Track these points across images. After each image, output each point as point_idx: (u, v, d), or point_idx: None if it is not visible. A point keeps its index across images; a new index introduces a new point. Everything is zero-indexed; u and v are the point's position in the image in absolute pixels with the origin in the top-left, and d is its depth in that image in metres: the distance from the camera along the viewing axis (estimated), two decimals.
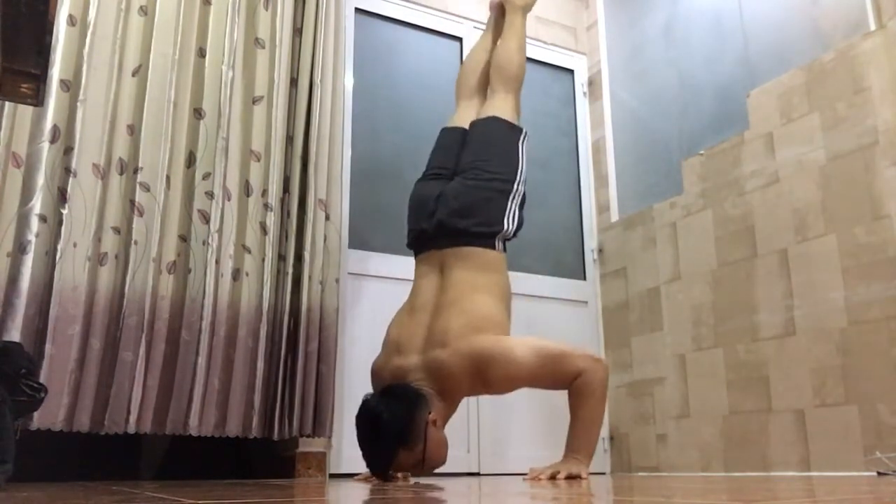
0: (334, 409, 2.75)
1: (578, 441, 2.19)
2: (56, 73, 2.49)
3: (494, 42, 2.90)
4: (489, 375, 2.19)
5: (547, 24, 3.94)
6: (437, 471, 2.26)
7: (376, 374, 2.42)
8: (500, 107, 2.68)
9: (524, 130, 2.67)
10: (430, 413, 2.15)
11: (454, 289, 2.34)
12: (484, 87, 2.85)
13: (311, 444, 2.78)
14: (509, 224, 2.45)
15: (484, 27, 3.12)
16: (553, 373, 2.19)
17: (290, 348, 2.74)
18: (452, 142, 2.69)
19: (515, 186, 2.52)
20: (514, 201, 2.50)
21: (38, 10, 1.07)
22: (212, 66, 2.80)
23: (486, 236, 2.42)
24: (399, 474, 2.42)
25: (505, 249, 2.47)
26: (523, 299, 3.27)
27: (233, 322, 2.66)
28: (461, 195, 2.46)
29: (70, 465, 2.77)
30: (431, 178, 2.63)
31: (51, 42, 1.19)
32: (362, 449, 2.17)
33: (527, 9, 2.90)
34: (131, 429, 2.40)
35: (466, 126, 2.71)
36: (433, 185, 2.58)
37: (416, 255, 2.55)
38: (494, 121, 2.64)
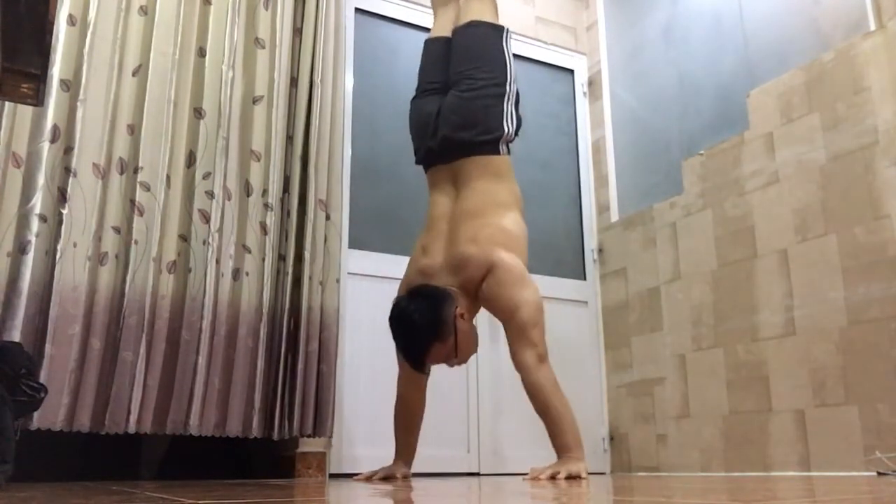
0: (335, 409, 2.75)
1: (562, 439, 2.22)
2: (56, 73, 2.49)
3: None
4: (493, 281, 2.31)
5: (547, 24, 3.94)
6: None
7: (406, 278, 2.51)
8: (478, 9, 2.69)
9: (506, 28, 2.68)
10: (456, 307, 2.28)
11: (472, 198, 2.44)
12: None
13: (311, 444, 2.78)
14: (509, 126, 2.53)
15: None
16: (519, 331, 2.27)
17: (291, 348, 2.74)
18: (438, 54, 2.72)
19: (508, 87, 2.57)
20: (510, 102, 2.56)
21: (38, 10, 1.07)
22: (212, 66, 2.81)
23: (491, 143, 2.50)
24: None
25: (509, 152, 2.55)
26: None
27: (233, 322, 2.66)
28: (459, 108, 2.53)
29: (70, 465, 2.77)
30: (426, 95, 2.68)
31: (51, 42, 1.19)
32: (398, 346, 2.31)
33: None
34: (131, 429, 2.40)
35: (449, 34, 2.73)
36: (429, 101, 2.64)
37: (426, 170, 2.63)
38: (476, 25, 2.66)
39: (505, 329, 2.34)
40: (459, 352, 2.30)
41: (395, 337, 2.30)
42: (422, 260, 2.46)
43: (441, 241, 2.45)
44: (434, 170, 2.58)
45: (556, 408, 2.23)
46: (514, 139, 2.56)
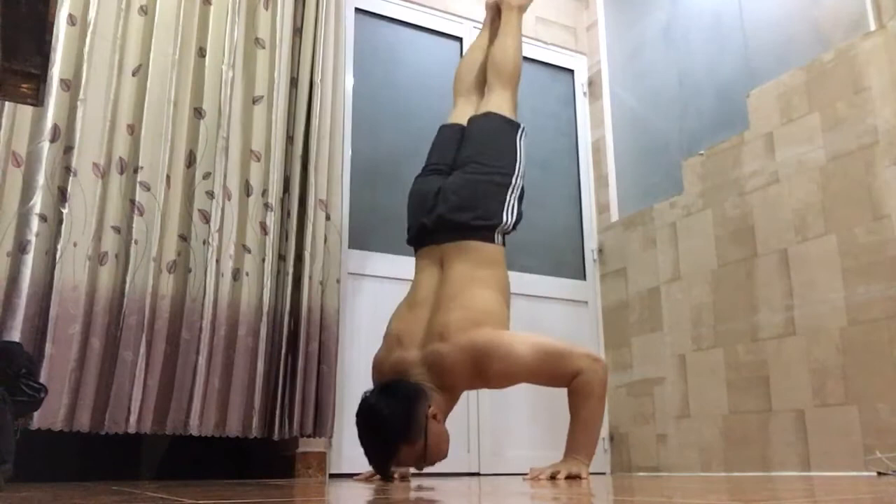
0: (335, 409, 2.75)
1: (578, 441, 2.19)
2: (56, 72, 2.49)
3: (491, 41, 2.91)
4: (488, 369, 2.19)
5: (547, 24, 3.93)
6: (437, 470, 2.26)
7: (377, 367, 2.42)
8: (497, 103, 2.70)
9: (522, 126, 2.68)
10: (430, 407, 2.14)
11: (454, 283, 2.35)
12: (481, 85, 2.86)
13: (311, 444, 2.78)
14: (508, 217, 2.47)
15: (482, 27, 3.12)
16: (552, 370, 2.19)
17: (291, 348, 2.74)
18: (451, 138, 2.71)
19: (514, 180, 2.54)
20: (513, 195, 2.51)
21: (38, 10, 1.07)
22: (212, 66, 2.80)
23: (486, 229, 2.43)
24: (397, 473, 2.42)
25: (504, 243, 2.49)
26: (523, 299, 3.27)
27: (233, 322, 2.66)
28: (460, 189, 2.48)
29: (70, 465, 2.77)
30: (430, 174, 2.65)
31: (51, 42, 1.19)
32: (364, 446, 2.16)
33: (523, 9, 2.92)
34: (131, 429, 2.40)
35: (464, 122, 2.73)
36: (432, 180, 2.60)
37: (415, 251, 2.57)
38: (492, 116, 2.66)
39: (541, 384, 2.30)
40: (429, 455, 2.14)
41: (360, 435, 2.15)
42: (395, 351, 2.33)
43: (419, 330, 2.31)
44: (423, 251, 2.51)
45: (594, 410, 2.18)
46: (510, 232, 2.50)
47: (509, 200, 2.48)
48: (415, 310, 2.38)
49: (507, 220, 2.46)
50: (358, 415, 2.17)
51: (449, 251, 2.42)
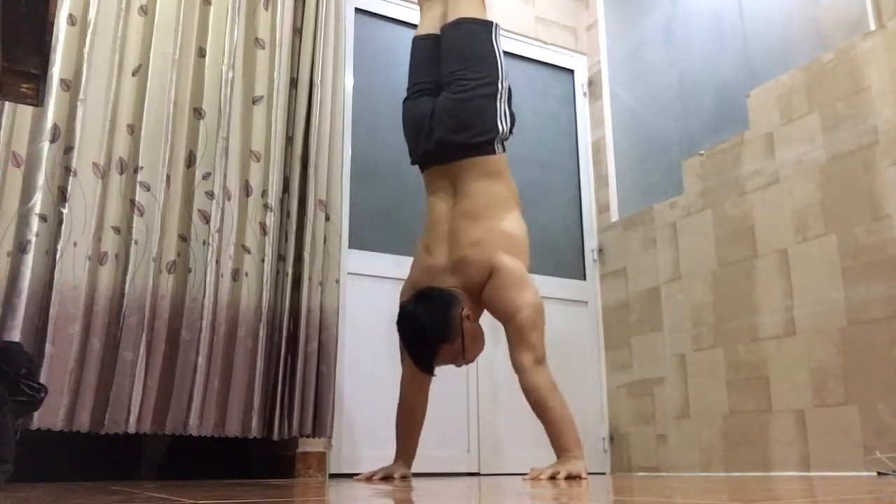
0: (334, 409, 2.75)
1: (560, 441, 2.24)
2: (56, 72, 2.49)
3: None
4: (494, 284, 2.34)
5: (547, 24, 3.93)
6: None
7: (410, 280, 2.54)
8: (465, 4, 2.69)
9: (494, 23, 2.67)
10: (462, 309, 2.31)
11: (471, 200, 2.46)
12: None
13: (311, 444, 2.78)
14: (503, 125, 2.54)
15: None
16: (518, 333, 2.30)
17: (290, 348, 2.74)
18: (428, 53, 2.72)
19: (500, 85, 2.57)
20: (502, 100, 2.57)
21: (38, 10, 1.07)
22: (212, 66, 2.80)
23: (486, 143, 2.51)
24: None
25: (504, 149, 2.56)
26: None
27: (232, 322, 2.66)
28: (452, 110, 2.53)
29: (70, 465, 2.77)
30: (418, 96, 2.67)
31: (51, 42, 1.19)
32: (408, 349, 2.34)
33: None
34: (131, 428, 2.40)
35: (437, 31, 2.72)
36: (422, 102, 2.63)
37: (422, 170, 2.64)
38: (465, 23, 2.65)
39: (505, 331, 2.35)
40: (467, 352, 2.33)
41: (404, 340, 2.34)
42: (426, 259, 2.49)
43: (443, 242, 2.46)
44: (430, 171, 2.59)
45: (553, 409, 2.24)
46: (508, 137, 2.57)
47: (500, 108, 2.54)
48: (436, 226, 2.50)
49: (503, 129, 2.53)
50: (399, 322, 2.33)
51: (457, 169, 2.50)
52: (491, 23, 2.66)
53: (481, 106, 2.53)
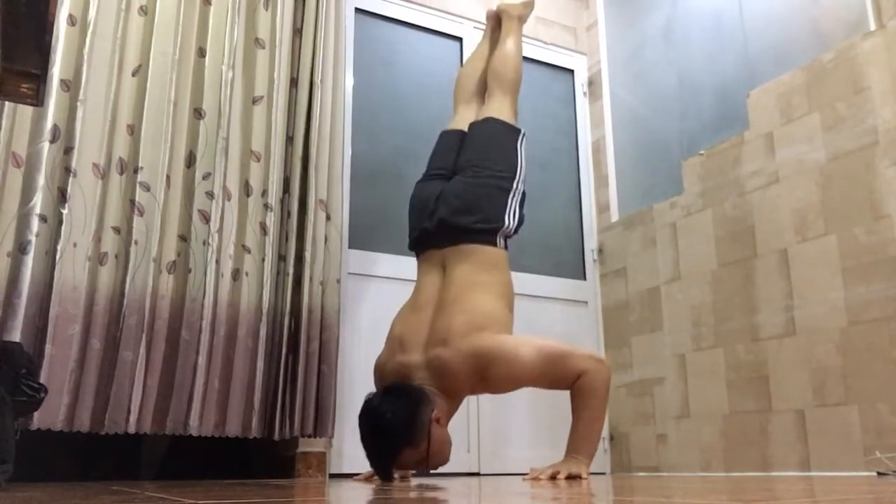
0: (335, 409, 2.75)
1: (580, 442, 2.19)
2: (56, 72, 2.49)
3: (492, 50, 2.92)
4: (490, 374, 2.19)
5: (547, 24, 3.93)
6: (437, 470, 2.26)
7: (379, 370, 2.42)
8: (498, 109, 2.70)
9: (522, 131, 2.68)
10: (433, 411, 2.14)
11: (456, 286, 2.34)
12: (482, 92, 2.86)
13: (311, 444, 2.78)
14: (510, 220, 2.46)
15: (483, 27, 3.12)
16: (555, 373, 2.19)
17: (291, 348, 2.74)
18: (451, 143, 2.71)
19: (515, 185, 2.54)
20: (515, 199, 2.52)
21: (38, 10, 1.07)
22: (212, 66, 2.80)
23: (488, 233, 2.43)
24: (398, 474, 2.42)
25: (506, 247, 2.48)
26: (523, 299, 3.26)
27: (233, 322, 2.66)
28: (462, 193, 2.48)
29: (70, 465, 2.77)
30: (431, 179, 2.65)
31: (51, 42, 1.19)
32: (365, 448, 2.16)
33: (523, 19, 2.94)
34: (131, 429, 2.40)
35: (465, 128, 2.73)
36: (433, 184, 2.60)
37: (417, 256, 2.57)
38: (492, 121, 2.66)
39: (545, 387, 2.28)
40: (431, 459, 2.14)
41: (363, 437, 2.15)
42: (398, 355, 2.32)
43: (422, 332, 2.30)
44: (425, 255, 2.51)
45: (597, 410, 2.18)
46: (513, 235, 2.49)
47: (510, 204, 2.49)
48: (417, 313, 2.38)
49: (508, 224, 2.46)
50: (361, 417, 2.17)
51: (451, 255, 2.42)
52: (520, 129, 2.67)
53: (492, 195, 2.47)
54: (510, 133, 2.65)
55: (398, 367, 2.29)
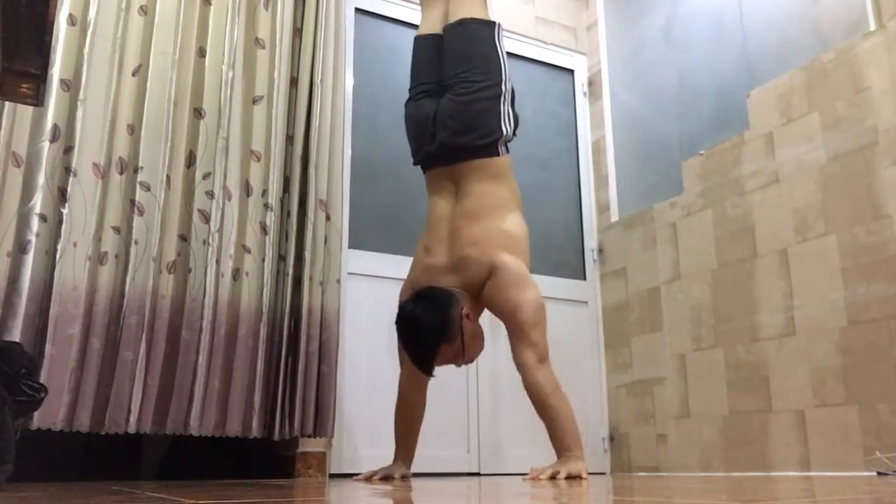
0: (335, 409, 2.75)
1: (561, 440, 2.24)
2: (56, 72, 2.49)
3: None
4: (494, 283, 2.33)
5: (547, 24, 3.93)
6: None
7: (409, 279, 2.53)
8: (468, 3, 2.68)
9: (497, 24, 2.66)
10: (462, 308, 2.30)
11: (472, 200, 2.45)
12: None
13: (311, 444, 2.78)
14: (507, 127, 2.53)
15: None
16: (519, 331, 2.29)
17: (291, 348, 2.74)
18: (430, 53, 2.70)
19: (503, 87, 2.57)
20: (506, 102, 2.56)
21: (38, 10, 1.07)
22: (212, 66, 2.80)
23: (490, 145, 2.51)
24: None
25: (508, 151, 2.56)
26: None
27: (233, 322, 2.66)
28: (456, 113, 2.52)
29: (70, 465, 2.77)
30: (421, 97, 2.66)
31: (51, 42, 1.19)
32: (407, 349, 2.31)
33: None
34: (131, 428, 2.40)
35: (439, 30, 2.70)
36: (425, 103, 2.62)
37: (424, 172, 2.63)
38: (467, 23, 2.64)
39: (507, 330, 2.34)
40: (467, 352, 2.32)
41: (403, 340, 2.31)
42: (425, 259, 2.48)
43: (443, 242, 2.46)
44: (433, 172, 2.58)
45: (555, 408, 2.24)
46: (512, 139, 2.57)
47: (503, 110, 2.54)
48: (437, 226, 2.50)
49: (506, 131, 2.53)
50: (398, 322, 2.30)
51: (460, 171, 2.50)
52: (494, 23, 2.65)
53: (485, 108, 2.52)
54: (486, 31, 2.63)
55: (426, 268, 2.45)
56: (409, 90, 2.73)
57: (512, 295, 2.31)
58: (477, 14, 2.66)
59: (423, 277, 2.44)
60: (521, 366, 2.28)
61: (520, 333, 2.29)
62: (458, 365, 2.37)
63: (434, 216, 2.54)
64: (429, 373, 2.33)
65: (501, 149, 2.52)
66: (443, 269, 2.41)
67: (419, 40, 2.77)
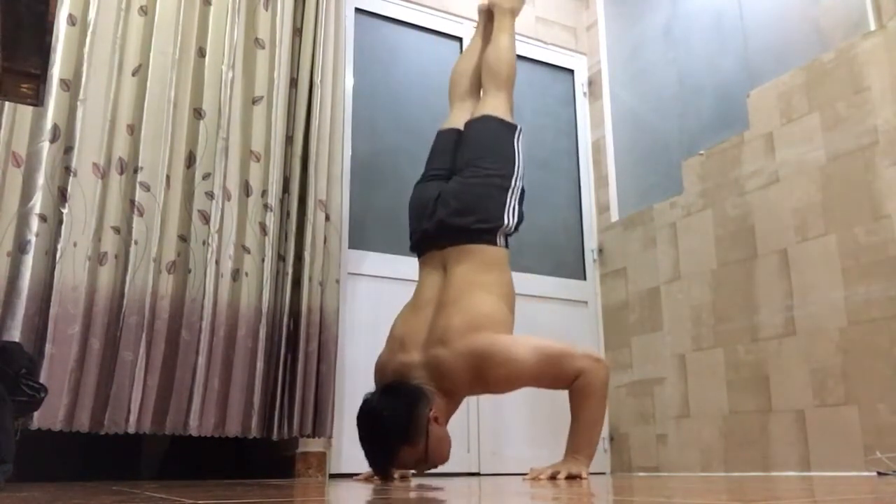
0: (334, 409, 2.75)
1: (579, 442, 2.19)
2: (56, 72, 2.49)
3: (484, 46, 2.90)
4: (489, 375, 2.18)
5: (547, 24, 3.93)
6: (437, 470, 2.26)
7: (380, 370, 2.41)
8: (493, 105, 2.69)
9: (519, 127, 2.67)
10: (431, 410, 2.13)
11: (456, 286, 2.34)
12: (476, 89, 2.86)
13: (311, 444, 2.78)
14: (509, 219, 2.46)
15: None
16: (553, 373, 2.19)
17: (290, 348, 2.74)
18: (448, 143, 2.70)
19: (513, 182, 2.53)
20: (513, 196, 2.51)
21: (38, 10, 1.07)
22: (212, 66, 2.80)
23: (487, 232, 2.42)
24: (397, 474, 2.42)
25: (507, 245, 2.48)
26: (523, 299, 3.25)
27: (232, 322, 2.66)
28: (460, 193, 2.48)
29: (70, 465, 2.77)
30: (430, 180, 2.65)
31: (51, 42, 1.19)
32: (364, 447, 2.16)
33: (515, 12, 2.91)
34: (131, 429, 2.40)
35: (461, 127, 2.72)
36: (432, 186, 2.60)
37: (419, 257, 2.57)
38: (488, 119, 2.65)
39: (543, 387, 2.28)
40: (430, 457, 2.14)
41: (361, 437, 2.16)
42: (398, 354, 2.32)
43: (422, 332, 2.30)
44: (426, 256, 2.51)
45: (595, 410, 2.18)
46: (513, 233, 2.49)
47: (510, 203, 2.48)
48: (417, 313, 2.38)
49: (508, 222, 2.45)
50: (359, 416, 2.17)
51: (451, 255, 2.42)
52: (516, 126, 2.65)
53: (490, 194, 2.47)
54: (506, 130, 2.64)
55: (398, 366, 2.29)
56: (421, 176, 2.71)
57: (513, 374, 2.17)
58: (500, 115, 2.66)
59: (395, 371, 2.28)
60: (579, 376, 2.16)
61: (556, 383, 2.20)
62: (420, 471, 2.23)
63: (417, 300, 2.42)
64: (384, 477, 2.21)
65: (500, 239, 2.44)
66: (416, 366, 2.24)
67: (440, 133, 2.78)
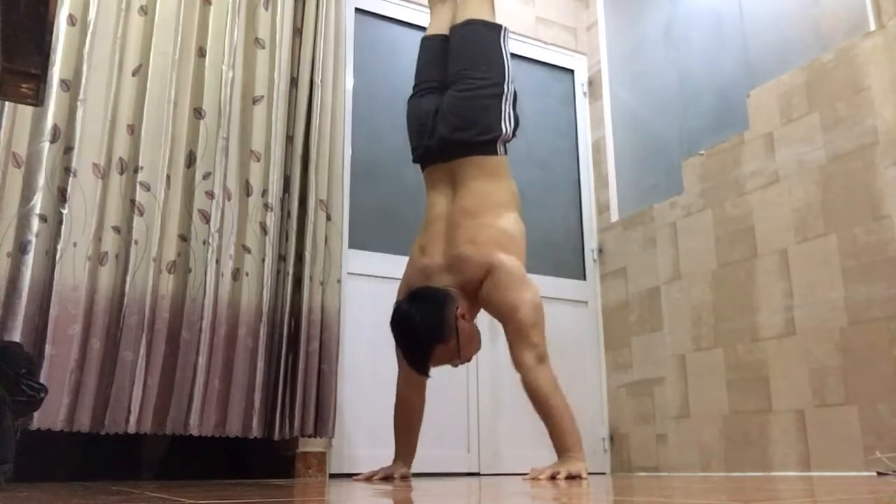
0: (335, 409, 2.75)
1: (562, 439, 2.23)
2: (56, 72, 2.49)
3: None
4: (492, 283, 2.32)
5: (547, 24, 3.93)
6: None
7: (405, 280, 2.52)
8: (476, 6, 2.69)
9: (503, 27, 2.68)
10: (457, 308, 2.28)
11: (470, 198, 2.45)
12: None
13: (311, 444, 2.78)
14: (507, 126, 2.54)
15: None
16: (518, 331, 2.28)
17: (291, 348, 2.74)
18: (436, 52, 2.72)
19: (505, 87, 2.57)
20: (507, 102, 2.57)
21: (38, 10, 1.07)
22: (212, 66, 2.80)
23: (489, 143, 2.51)
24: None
25: (506, 151, 2.56)
26: None
27: (233, 322, 2.66)
28: (457, 108, 2.53)
29: (70, 465, 2.77)
30: (424, 94, 2.68)
31: (51, 42, 1.19)
32: (402, 349, 2.32)
33: None
34: (131, 428, 2.40)
35: (446, 32, 2.72)
36: (427, 100, 2.64)
37: (423, 169, 2.64)
38: (473, 24, 2.66)
39: (504, 330, 2.34)
40: (462, 352, 2.30)
41: (398, 340, 2.31)
42: (421, 260, 2.47)
43: (439, 241, 2.44)
44: (431, 169, 2.58)
45: (555, 408, 2.23)
46: (511, 139, 2.56)
47: (505, 109, 2.55)
48: (434, 224, 2.49)
49: (506, 130, 2.53)
50: (392, 323, 2.30)
51: (458, 168, 2.50)
52: (500, 26, 2.67)
53: (486, 105, 2.53)
54: (492, 33, 2.65)
55: (422, 268, 2.44)
56: (413, 88, 2.73)
57: (510, 295, 2.30)
58: (484, 16, 2.67)
59: (419, 277, 2.43)
60: (520, 366, 2.27)
61: (518, 334, 2.28)
62: (455, 365, 2.37)
63: (431, 214, 2.53)
64: (424, 373, 2.32)
65: (500, 148, 2.52)
66: (438, 269, 2.40)
67: (425, 41, 2.79)
